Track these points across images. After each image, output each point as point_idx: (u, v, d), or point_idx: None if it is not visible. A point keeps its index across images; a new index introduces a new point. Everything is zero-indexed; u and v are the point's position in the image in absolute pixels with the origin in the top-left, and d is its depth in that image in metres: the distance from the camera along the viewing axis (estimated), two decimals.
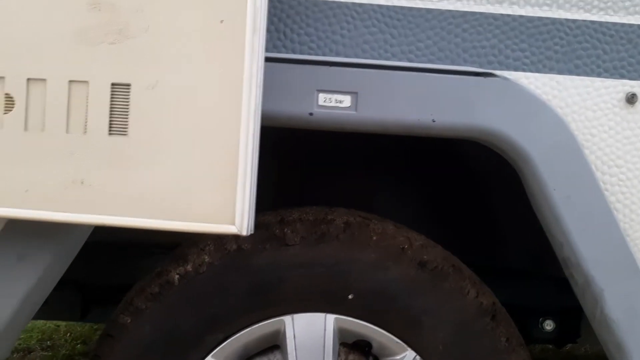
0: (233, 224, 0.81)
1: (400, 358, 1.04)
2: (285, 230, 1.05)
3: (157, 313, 1.04)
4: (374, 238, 1.05)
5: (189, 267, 1.05)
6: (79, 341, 2.90)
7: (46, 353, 2.74)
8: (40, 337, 2.92)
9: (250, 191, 0.82)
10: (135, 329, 1.04)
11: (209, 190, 0.82)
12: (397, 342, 1.04)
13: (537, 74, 0.97)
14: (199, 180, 0.82)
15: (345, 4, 0.97)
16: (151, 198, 0.82)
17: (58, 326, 2.98)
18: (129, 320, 1.04)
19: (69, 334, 2.95)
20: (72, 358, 2.67)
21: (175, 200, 0.82)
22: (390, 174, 1.43)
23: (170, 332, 1.04)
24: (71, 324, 2.94)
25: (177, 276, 1.05)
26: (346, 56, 0.97)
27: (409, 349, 1.04)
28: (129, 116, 0.83)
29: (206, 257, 1.05)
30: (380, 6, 0.97)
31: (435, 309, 1.03)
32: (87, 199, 0.83)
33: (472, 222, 1.39)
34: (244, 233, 0.82)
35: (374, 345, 1.06)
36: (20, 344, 2.83)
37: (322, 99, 0.95)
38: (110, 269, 1.41)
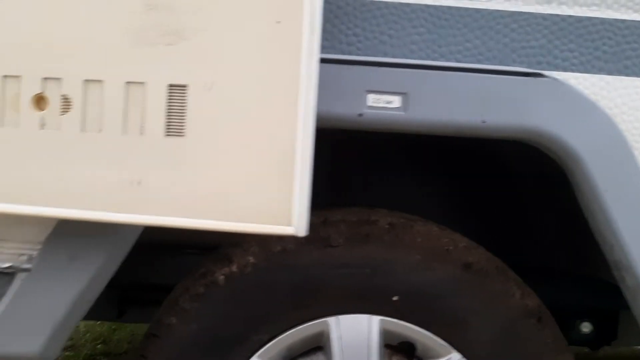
0: (290, 225, 0.81)
1: None
2: (329, 231, 1.05)
3: (203, 313, 1.04)
4: (419, 239, 1.05)
5: (234, 268, 1.05)
6: (99, 341, 2.91)
7: (68, 353, 2.75)
8: None
9: (307, 192, 0.82)
10: (181, 329, 1.04)
11: (266, 191, 0.82)
12: (441, 344, 1.04)
13: (586, 75, 0.97)
14: (255, 181, 0.82)
15: (393, 4, 0.97)
16: (208, 199, 0.83)
17: (77, 326, 2.98)
18: (174, 321, 1.05)
19: (88, 334, 2.97)
20: (94, 358, 2.69)
21: (231, 201, 0.82)
22: (414, 173, 1.42)
23: (215, 332, 1.04)
24: (90, 323, 2.95)
25: (222, 277, 1.05)
26: (394, 57, 0.97)
27: (454, 350, 1.03)
28: (185, 117, 0.83)
29: (251, 258, 1.05)
30: (427, 6, 0.97)
31: (480, 310, 1.03)
32: (143, 199, 0.84)
33: (508, 222, 1.38)
34: (301, 234, 0.82)
35: (418, 347, 1.06)
36: None
37: (372, 99, 0.96)
38: (144, 269, 1.42)
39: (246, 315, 1.04)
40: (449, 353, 1.04)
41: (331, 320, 1.04)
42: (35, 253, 0.96)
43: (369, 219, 1.06)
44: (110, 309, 1.43)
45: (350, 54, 0.97)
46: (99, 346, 2.84)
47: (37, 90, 0.85)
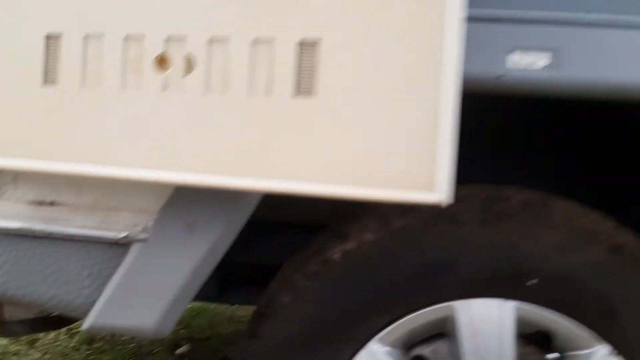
0: (432, 191, 0.73)
1: (590, 352, 0.93)
2: (457, 207, 0.96)
3: (319, 292, 0.98)
4: (559, 218, 0.94)
5: (351, 245, 0.98)
6: (180, 326, 2.94)
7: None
8: None
9: (452, 156, 0.73)
10: (295, 308, 0.99)
11: (405, 155, 0.74)
12: (586, 335, 0.93)
13: None
14: (393, 143, 0.74)
15: None
16: (339, 164, 0.76)
17: None
18: (287, 299, 0.99)
19: None
20: (178, 343, 2.71)
21: (366, 165, 0.75)
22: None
23: (332, 312, 0.97)
24: None
25: (337, 254, 0.98)
26: (538, 9, 0.86)
27: (602, 342, 0.92)
28: (317, 76, 0.76)
29: (369, 234, 0.98)
30: None
31: (635, 298, 0.91)
32: (270, 164, 0.78)
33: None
34: (446, 202, 0.73)
35: (557, 337, 0.95)
36: None
37: (514, 59, 0.86)
38: (244, 248, 1.38)
39: (365, 296, 0.97)
40: (593, 345, 0.93)
41: (458, 305, 0.95)
42: (150, 223, 0.92)
43: (500, 195, 0.96)
44: (211, 289, 1.40)
45: (488, 8, 0.87)
46: (181, 331, 2.87)
47: (159, 50, 0.81)
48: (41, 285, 0.93)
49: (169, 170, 0.81)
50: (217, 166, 0.79)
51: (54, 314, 1.46)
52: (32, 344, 2.69)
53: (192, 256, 0.89)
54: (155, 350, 2.64)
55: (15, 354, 2.59)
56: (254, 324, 1.03)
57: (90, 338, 2.75)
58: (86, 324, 0.92)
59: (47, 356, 2.59)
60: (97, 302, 0.92)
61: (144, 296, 0.90)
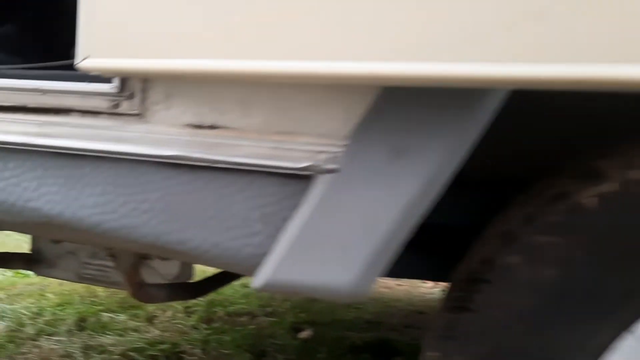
0: None
1: None
2: None
3: (563, 250, 0.71)
4: None
5: (611, 186, 0.70)
6: (299, 310, 2.78)
7: (272, 319, 2.64)
8: (260, 303, 2.87)
9: None
10: (527, 272, 0.72)
11: None
12: None
13: None
14: None
15: None
16: None
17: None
18: (517, 260, 0.73)
19: (287, 302, 2.85)
20: (300, 326, 2.53)
21: None
22: None
23: (585, 278, 0.70)
24: None
25: (591, 199, 0.70)
26: None
27: None
28: None
29: (638, 171, 0.69)
30: None
31: None
32: (539, 42, 0.52)
33: None
34: None
35: None
36: (244, 308, 2.79)
37: None
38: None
39: (634, 257, 0.68)
40: None
41: None
42: (339, 150, 0.69)
43: None
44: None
45: None
46: (301, 315, 2.69)
47: None
48: (201, 230, 0.73)
49: (378, 61, 0.57)
50: (452, 50, 0.54)
51: (191, 280, 1.30)
52: (150, 321, 2.62)
53: (401, 191, 0.65)
54: (276, 333, 2.47)
55: (135, 330, 2.52)
56: (462, 294, 0.77)
57: (209, 317, 2.65)
58: (258, 281, 0.70)
59: (166, 334, 2.50)
60: (271, 253, 0.70)
61: (335, 245, 0.67)
